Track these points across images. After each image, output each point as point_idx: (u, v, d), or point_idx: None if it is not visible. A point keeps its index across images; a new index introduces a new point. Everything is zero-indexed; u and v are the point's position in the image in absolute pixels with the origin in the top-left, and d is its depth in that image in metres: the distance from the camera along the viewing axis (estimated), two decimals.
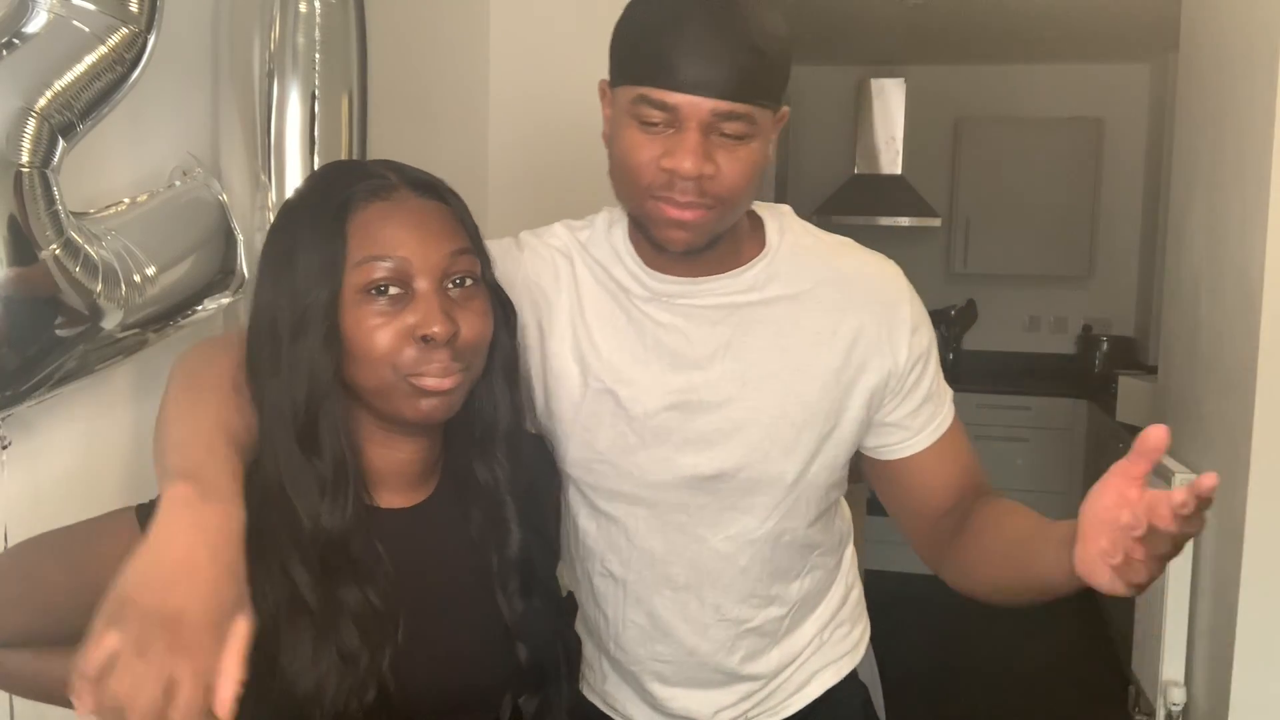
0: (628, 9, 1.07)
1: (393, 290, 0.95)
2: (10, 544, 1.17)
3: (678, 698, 1.25)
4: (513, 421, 1.08)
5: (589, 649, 1.31)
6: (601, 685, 1.31)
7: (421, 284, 0.96)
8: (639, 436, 1.15)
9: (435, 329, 0.95)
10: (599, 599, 1.24)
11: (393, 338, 0.95)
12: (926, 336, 1.20)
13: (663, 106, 1.01)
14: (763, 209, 1.20)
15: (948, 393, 1.24)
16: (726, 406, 1.14)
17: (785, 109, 1.09)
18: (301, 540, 0.94)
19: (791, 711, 1.28)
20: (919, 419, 1.20)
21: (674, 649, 1.23)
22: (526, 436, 1.14)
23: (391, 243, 0.95)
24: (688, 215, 1.04)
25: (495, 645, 1.06)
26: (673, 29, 1.01)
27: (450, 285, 0.98)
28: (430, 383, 0.97)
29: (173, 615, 0.76)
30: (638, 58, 1.03)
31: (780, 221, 1.20)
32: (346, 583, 0.94)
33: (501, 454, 1.07)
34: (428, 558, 1.05)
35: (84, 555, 0.94)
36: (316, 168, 1.43)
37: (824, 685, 1.30)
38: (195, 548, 0.81)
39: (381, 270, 0.95)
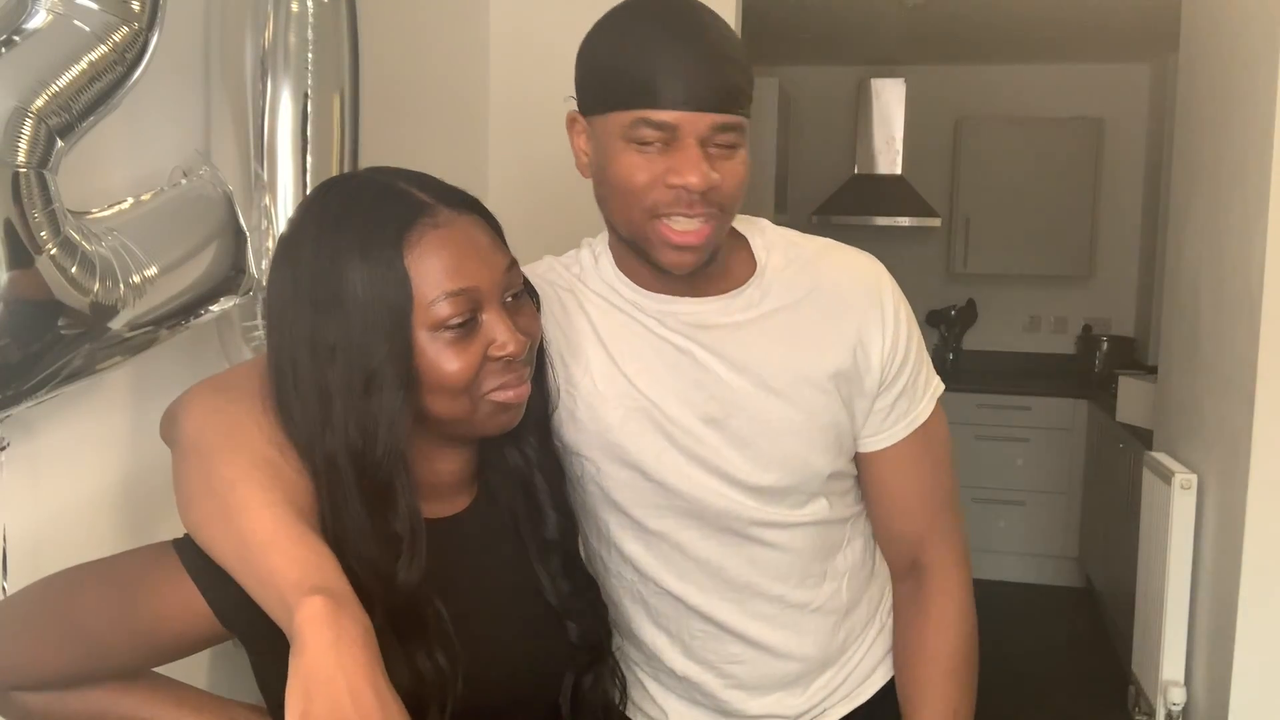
0: (591, 40, 1.10)
1: (464, 320, 0.95)
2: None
3: (754, 706, 1.27)
4: (541, 406, 1.10)
5: (644, 678, 1.31)
6: (663, 716, 1.30)
7: (489, 306, 0.96)
8: (681, 452, 1.17)
9: (512, 349, 0.96)
10: (658, 618, 1.25)
11: (469, 365, 0.95)
12: (905, 329, 1.22)
13: (661, 126, 1.04)
14: (742, 224, 1.23)
15: (928, 390, 1.25)
16: (754, 420, 1.17)
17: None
18: (372, 606, 0.87)
19: (865, 699, 1.32)
20: (892, 415, 1.23)
21: (745, 647, 1.25)
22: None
23: (458, 275, 0.94)
24: (692, 238, 1.08)
25: (547, 632, 1.07)
26: (656, 51, 1.04)
27: (508, 299, 0.99)
28: (510, 395, 0.98)
29: None
30: (625, 83, 1.05)
31: (764, 237, 1.23)
32: (415, 647, 0.89)
33: (532, 436, 1.09)
34: (474, 563, 1.05)
35: (133, 595, 0.93)
36: (316, 183, 1.39)
37: (889, 672, 1.33)
38: (356, 680, 0.79)
39: (456, 306, 0.93)
